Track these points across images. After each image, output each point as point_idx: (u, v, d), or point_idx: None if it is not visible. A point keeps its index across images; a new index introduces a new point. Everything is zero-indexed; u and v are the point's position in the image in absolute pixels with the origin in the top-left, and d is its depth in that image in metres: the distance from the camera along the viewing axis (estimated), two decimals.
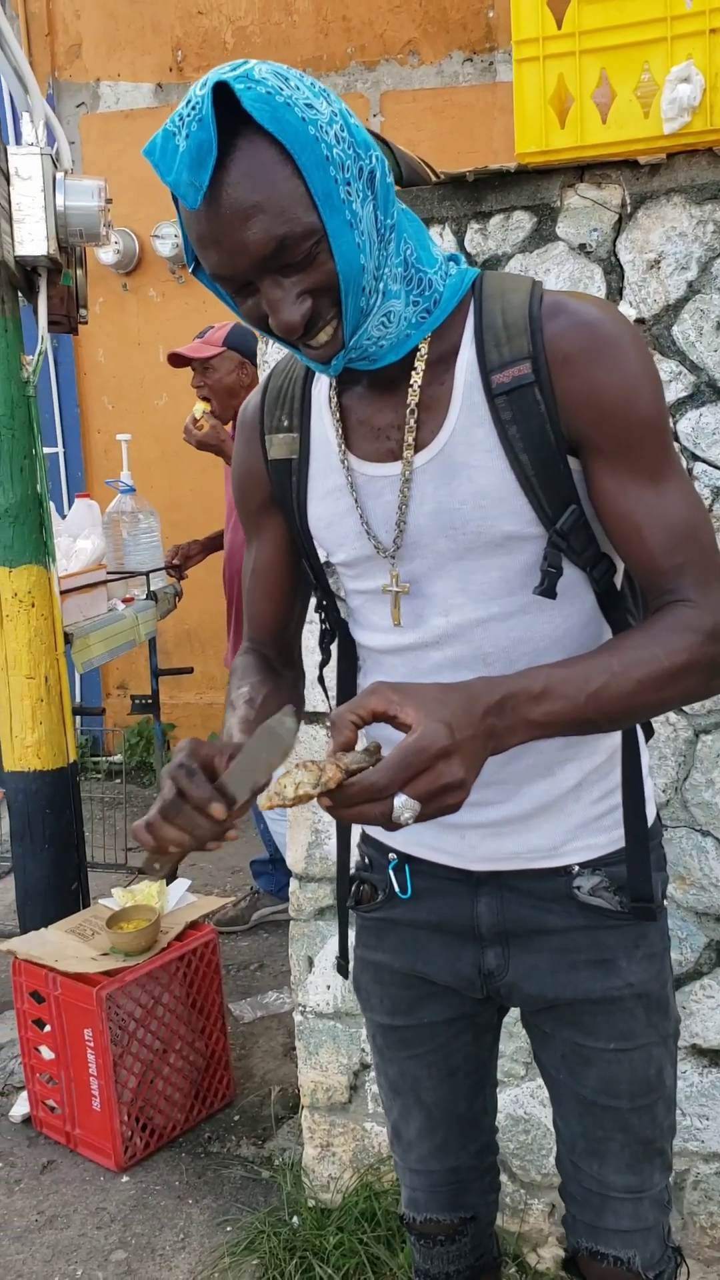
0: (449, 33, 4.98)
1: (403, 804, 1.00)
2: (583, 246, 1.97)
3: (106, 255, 5.45)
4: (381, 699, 1.03)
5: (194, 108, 1.03)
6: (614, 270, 1.97)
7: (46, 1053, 2.75)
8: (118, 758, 5.96)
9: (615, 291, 1.98)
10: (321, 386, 1.33)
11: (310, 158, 1.04)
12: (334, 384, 1.31)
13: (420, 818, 1.01)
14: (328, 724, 1.10)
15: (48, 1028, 2.72)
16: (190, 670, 4.01)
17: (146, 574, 3.71)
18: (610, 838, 1.37)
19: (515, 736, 1.09)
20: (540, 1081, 2.21)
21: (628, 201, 1.94)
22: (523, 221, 2.00)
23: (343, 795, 1.01)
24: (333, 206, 1.06)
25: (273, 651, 1.50)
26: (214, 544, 3.99)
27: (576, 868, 1.36)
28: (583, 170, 1.95)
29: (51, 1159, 2.73)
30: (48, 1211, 2.54)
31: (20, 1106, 2.90)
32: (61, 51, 5.62)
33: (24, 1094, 2.91)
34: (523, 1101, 2.23)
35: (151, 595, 3.69)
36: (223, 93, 1.03)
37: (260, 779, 1.11)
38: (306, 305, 1.10)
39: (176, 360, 3.52)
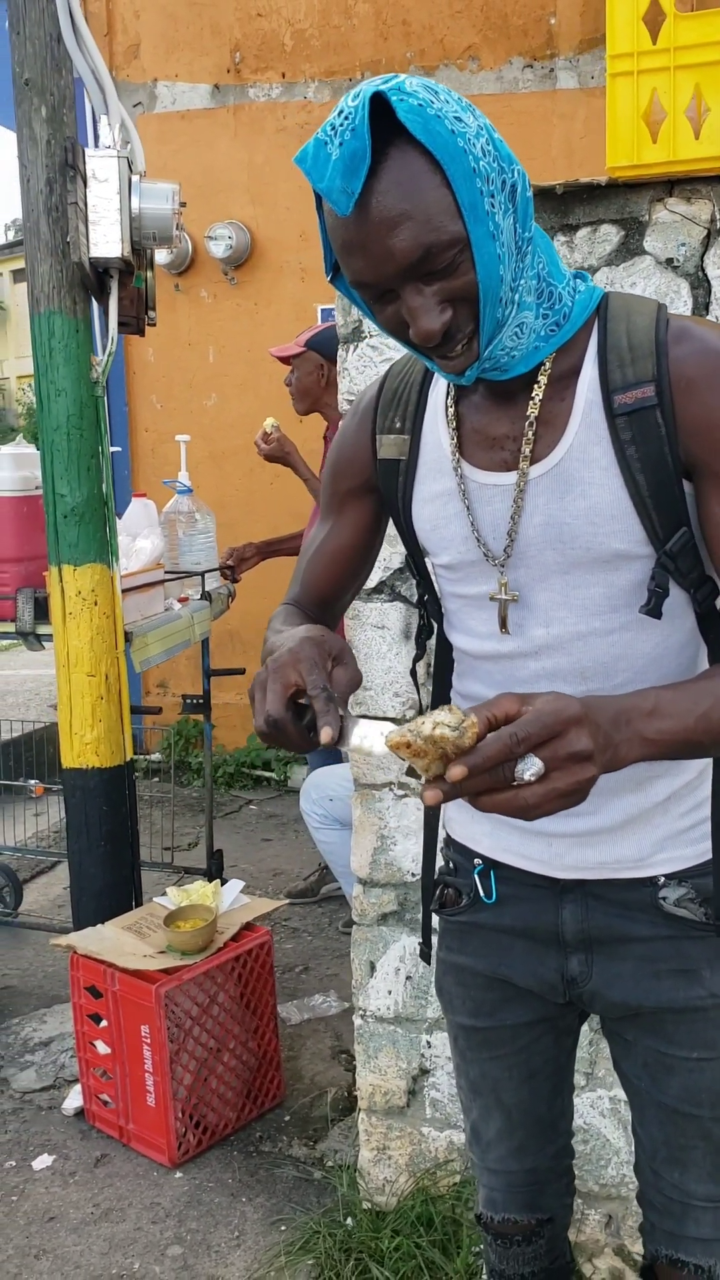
0: (509, 38, 4.98)
1: (528, 763, 0.98)
2: (670, 261, 1.98)
3: (160, 255, 5.47)
4: (513, 700, 1.03)
5: (347, 117, 1.05)
6: (701, 285, 1.97)
7: (102, 1047, 2.77)
8: (156, 756, 6.00)
9: (701, 307, 1.98)
10: (438, 392, 1.36)
11: (458, 169, 1.06)
12: (451, 391, 1.33)
13: (545, 797, 0.99)
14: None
15: (104, 1023, 2.75)
16: (242, 671, 4.03)
17: (202, 574, 3.73)
18: (697, 850, 1.38)
19: (631, 751, 1.09)
20: (600, 1092, 2.21)
21: (717, 217, 1.94)
22: (610, 235, 2.00)
23: (479, 753, 0.98)
24: (477, 217, 1.08)
25: (315, 616, 1.51)
26: (271, 549, 4.02)
27: (663, 879, 1.37)
28: (672, 185, 1.96)
29: (105, 1153, 2.76)
30: (103, 1204, 2.57)
31: (73, 1100, 2.93)
32: (120, 51, 5.66)
33: (76, 1087, 2.94)
34: (582, 1112, 2.23)
35: (206, 595, 3.72)
36: (375, 104, 1.05)
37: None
38: (447, 315, 1.12)
39: (281, 358, 3.66)
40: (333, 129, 1.07)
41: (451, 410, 1.32)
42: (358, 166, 1.05)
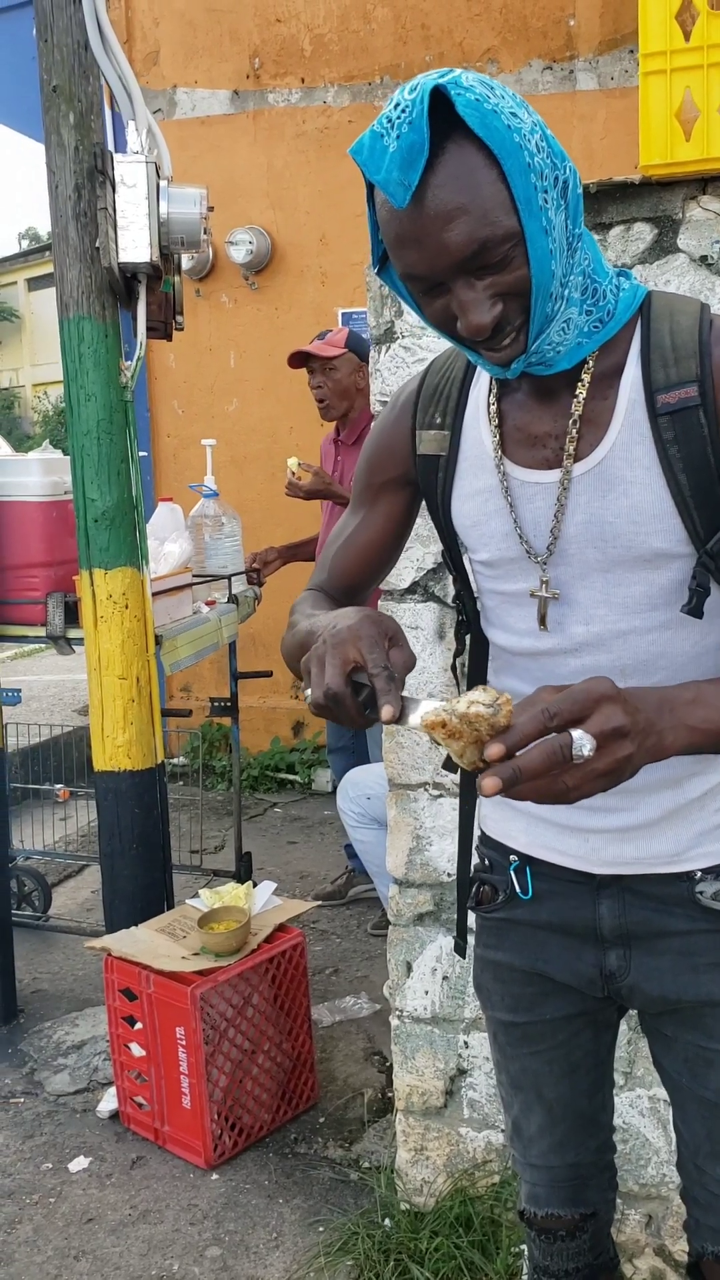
0: (529, 41, 4.98)
1: (581, 736, 0.99)
2: (704, 259, 1.98)
3: (183, 260, 5.49)
4: (551, 691, 1.04)
5: (404, 110, 1.06)
6: None
7: (137, 1049, 2.78)
8: (180, 759, 6.02)
9: None
10: (480, 389, 1.36)
11: (514, 164, 1.07)
12: (494, 388, 1.33)
13: (585, 777, 1.00)
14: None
15: (139, 1025, 2.75)
16: (269, 674, 4.03)
17: (229, 577, 3.75)
18: None
19: (677, 739, 1.11)
20: (639, 1092, 2.21)
21: None
22: (643, 233, 2.01)
23: (516, 731, 0.99)
24: (531, 212, 1.09)
25: (342, 603, 1.51)
26: (293, 553, 4.03)
27: (699, 873, 1.37)
28: (706, 183, 1.96)
29: (140, 1155, 2.76)
30: (140, 1206, 2.57)
31: (108, 1102, 2.94)
32: (139, 59, 5.69)
33: (111, 1090, 2.94)
34: (622, 1111, 2.23)
35: (233, 599, 3.73)
36: (433, 98, 1.05)
37: None
38: (498, 309, 1.13)
39: (298, 360, 3.62)
40: (389, 121, 1.07)
41: (494, 407, 1.33)
42: (415, 159, 1.05)
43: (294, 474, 3.71)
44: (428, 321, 1.19)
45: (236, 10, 5.51)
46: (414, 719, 1.04)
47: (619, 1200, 2.22)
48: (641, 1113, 2.22)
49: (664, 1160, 2.21)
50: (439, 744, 1.02)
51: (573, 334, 1.20)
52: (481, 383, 1.36)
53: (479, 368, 1.36)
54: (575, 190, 1.15)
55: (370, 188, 1.14)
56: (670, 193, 1.98)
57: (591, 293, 1.21)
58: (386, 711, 1.03)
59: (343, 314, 5.40)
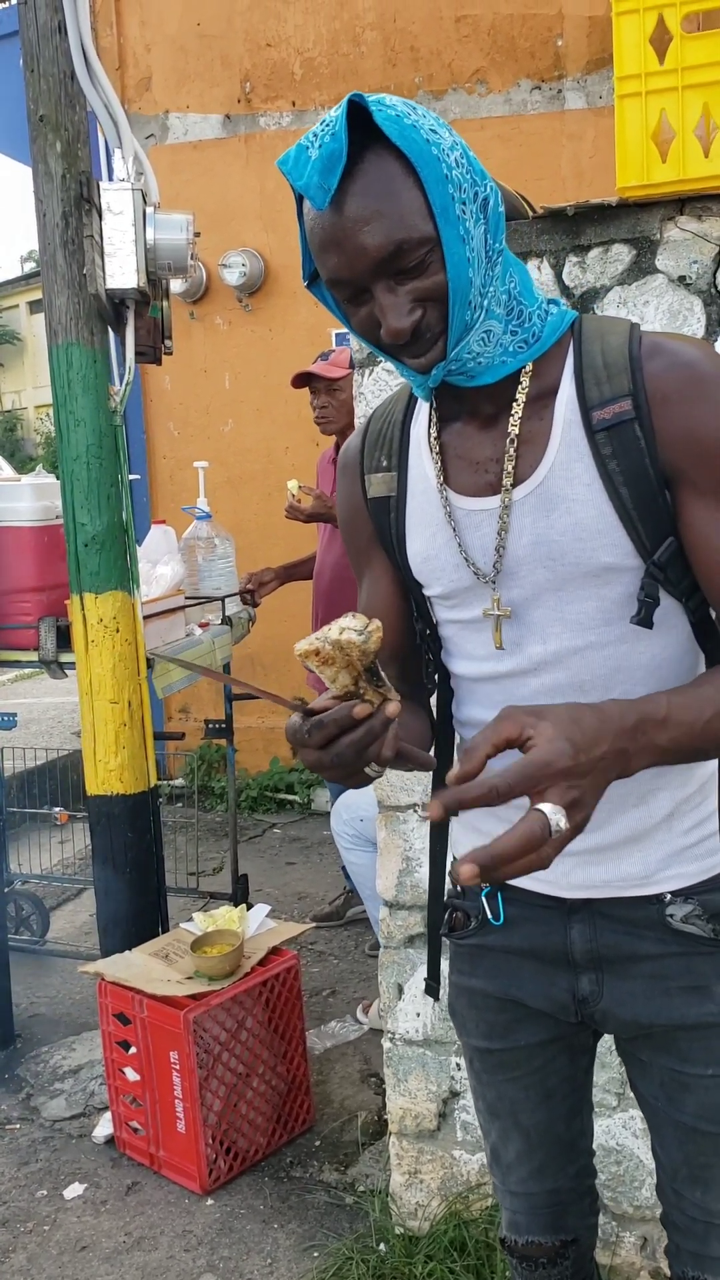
0: (517, 61, 5.02)
1: (554, 811, 0.98)
2: (683, 279, 1.99)
3: (175, 284, 5.52)
4: (514, 724, 1.04)
5: (328, 124, 1.12)
6: (714, 302, 1.98)
7: (131, 1074, 2.77)
8: (179, 781, 6.02)
9: (716, 323, 1.98)
10: (420, 425, 1.38)
11: (431, 173, 1.12)
12: (434, 421, 1.35)
13: (565, 839, 1.00)
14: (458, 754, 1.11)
15: (133, 1049, 2.75)
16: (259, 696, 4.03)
17: (222, 599, 3.75)
18: (703, 866, 1.38)
19: (643, 760, 1.11)
20: (632, 1113, 2.20)
21: None
22: (622, 254, 2.01)
23: (462, 793, 1.00)
24: (448, 220, 1.13)
25: (404, 691, 1.50)
26: (290, 573, 4.03)
27: (669, 895, 1.37)
28: (683, 203, 1.97)
29: (135, 1180, 2.75)
30: (135, 1233, 2.56)
31: (103, 1128, 2.93)
32: (132, 84, 5.73)
33: (107, 1115, 2.93)
34: (615, 1133, 2.22)
35: (226, 620, 3.73)
36: (356, 114, 1.11)
37: None
38: (417, 315, 1.16)
39: (301, 380, 3.63)
40: (314, 135, 1.13)
41: (434, 439, 1.34)
42: (334, 165, 1.10)
43: (294, 497, 3.71)
44: (354, 331, 1.23)
45: (227, 35, 5.55)
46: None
47: (613, 1223, 2.22)
48: (635, 1134, 2.21)
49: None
50: (314, 670, 1.06)
51: (494, 347, 1.23)
52: (421, 418, 1.38)
53: (417, 405, 1.39)
54: (496, 208, 1.19)
55: (300, 201, 1.18)
56: (648, 214, 1.99)
57: (517, 314, 1.24)
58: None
59: (336, 335, 5.42)
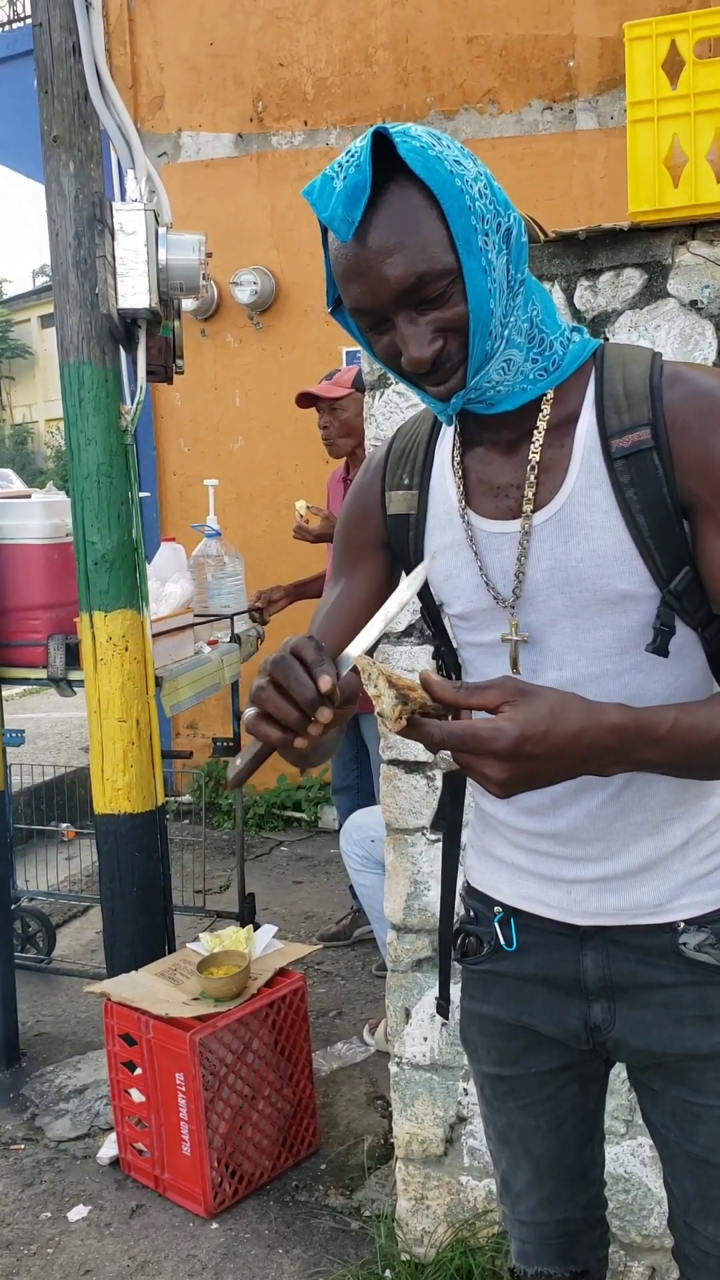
0: (528, 81, 5.03)
1: (445, 755, 1.09)
2: (694, 303, 1.99)
3: (186, 302, 5.53)
4: (500, 694, 1.10)
5: (352, 155, 1.13)
6: None
7: (137, 1095, 2.76)
8: (187, 798, 6.01)
9: None
10: (444, 447, 1.39)
11: (454, 205, 1.13)
12: (457, 444, 1.36)
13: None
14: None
15: (138, 1070, 2.73)
16: None
17: (231, 617, 3.75)
18: (717, 895, 1.37)
19: (622, 768, 1.16)
20: (641, 1140, 2.18)
21: None
22: (633, 279, 2.01)
23: (408, 728, 1.08)
24: (470, 252, 1.14)
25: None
26: (299, 591, 4.03)
27: (683, 924, 1.36)
28: (695, 228, 1.97)
29: (140, 1203, 2.74)
30: (139, 1257, 2.54)
31: (108, 1149, 2.91)
32: (145, 103, 5.76)
33: (112, 1136, 2.92)
34: (623, 1160, 2.20)
35: (235, 638, 3.73)
36: (381, 145, 1.12)
37: (375, 632, 1.14)
38: (438, 344, 1.17)
39: (305, 400, 3.65)
40: (339, 165, 1.14)
41: (458, 462, 1.35)
42: (359, 197, 1.11)
43: (302, 517, 3.72)
44: (376, 358, 1.24)
45: (240, 55, 5.58)
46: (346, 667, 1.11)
47: (622, 1253, 2.19)
48: (644, 1162, 2.19)
49: (667, 1211, 2.18)
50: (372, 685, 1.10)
51: (514, 376, 1.24)
52: (446, 441, 1.39)
53: (443, 427, 1.40)
54: (519, 238, 1.20)
55: (325, 230, 1.19)
56: (659, 238, 1.99)
57: (539, 341, 1.24)
58: (324, 682, 1.06)
59: (347, 353, 5.43)
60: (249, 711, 1.11)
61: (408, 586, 1.17)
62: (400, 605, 1.16)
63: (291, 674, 1.07)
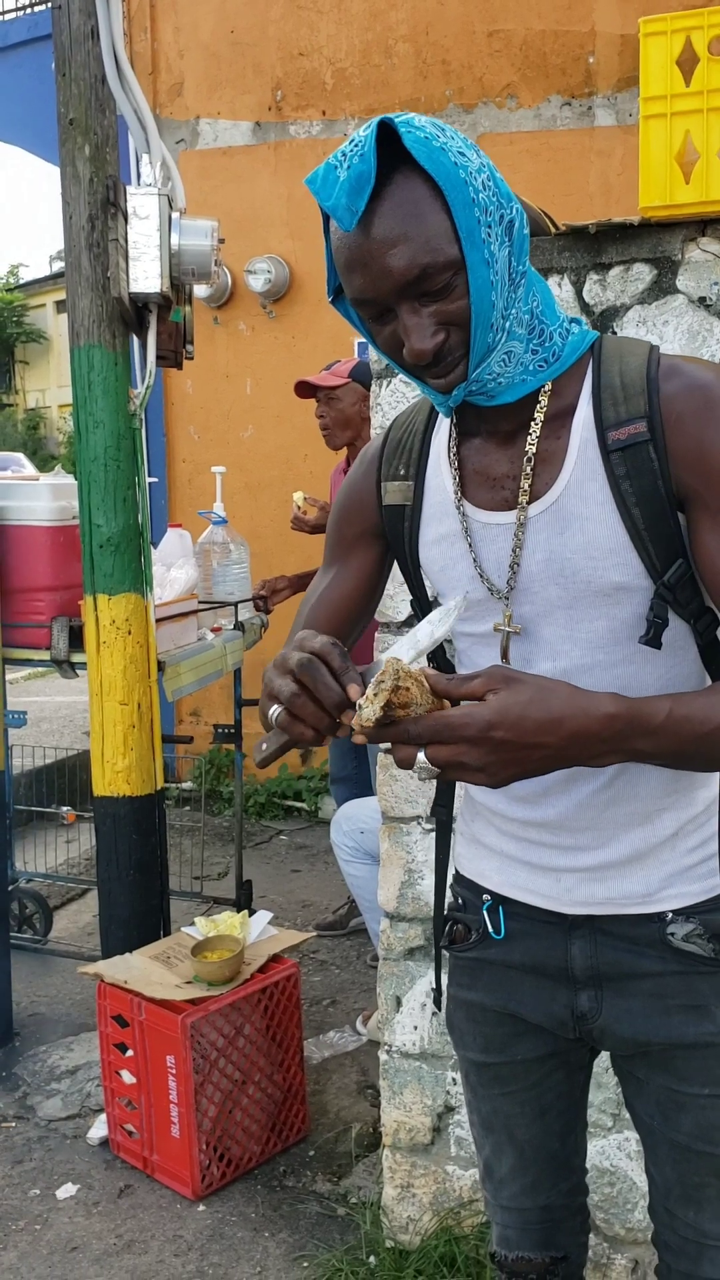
0: (548, 76, 5.02)
1: (421, 763, 1.08)
2: (703, 300, 1.99)
3: (199, 289, 5.54)
4: (486, 683, 1.10)
5: (356, 144, 1.12)
6: None
7: (127, 1077, 2.77)
8: (189, 784, 6.02)
9: None
10: (440, 438, 1.40)
11: (458, 197, 1.12)
12: (454, 435, 1.36)
13: (438, 778, 1.11)
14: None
15: (130, 1052, 2.75)
16: None
17: (235, 604, 3.76)
18: (705, 886, 1.38)
19: (613, 758, 1.15)
20: (627, 1134, 2.19)
21: None
22: (643, 274, 2.01)
23: (380, 729, 1.08)
24: (473, 244, 1.14)
25: None
26: (304, 581, 4.04)
27: (670, 914, 1.37)
28: (705, 225, 1.97)
29: (128, 1183, 2.75)
30: (125, 1236, 2.56)
31: (98, 1129, 2.93)
32: (164, 90, 5.76)
33: (102, 1117, 2.94)
34: (609, 1154, 2.21)
35: (239, 626, 3.74)
36: (385, 136, 1.12)
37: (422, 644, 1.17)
38: (441, 337, 1.18)
39: (303, 390, 3.64)
40: (343, 154, 1.14)
41: (454, 453, 1.36)
42: (363, 186, 1.11)
43: (299, 508, 3.73)
44: (378, 349, 1.24)
45: (260, 43, 5.58)
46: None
47: (605, 1245, 2.20)
48: (629, 1155, 2.20)
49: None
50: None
51: (515, 368, 1.24)
52: (442, 431, 1.39)
53: (439, 418, 1.40)
54: (520, 230, 1.20)
55: (326, 219, 1.19)
56: (670, 234, 1.99)
57: (539, 333, 1.25)
58: (353, 691, 1.08)
59: (359, 343, 5.43)
60: (275, 709, 1.14)
61: (440, 622, 1.18)
62: (432, 640, 1.18)
63: (320, 679, 1.09)
